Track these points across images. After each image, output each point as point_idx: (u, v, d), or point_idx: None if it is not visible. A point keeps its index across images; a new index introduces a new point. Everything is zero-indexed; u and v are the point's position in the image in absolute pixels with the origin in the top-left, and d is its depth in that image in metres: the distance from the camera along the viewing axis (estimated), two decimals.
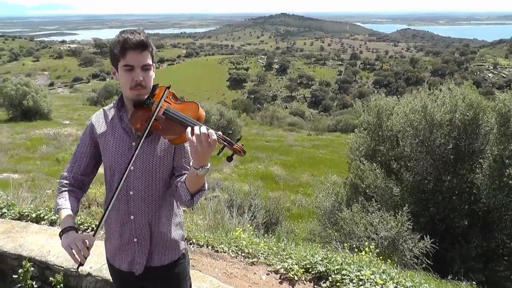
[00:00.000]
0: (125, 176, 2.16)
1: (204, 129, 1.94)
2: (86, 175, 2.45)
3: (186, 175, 2.25)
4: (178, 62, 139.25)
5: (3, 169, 13.87)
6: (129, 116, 2.34)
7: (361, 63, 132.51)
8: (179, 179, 2.31)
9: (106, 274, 3.65)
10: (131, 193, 2.33)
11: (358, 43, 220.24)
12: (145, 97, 2.27)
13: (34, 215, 5.21)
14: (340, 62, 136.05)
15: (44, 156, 16.30)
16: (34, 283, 4.04)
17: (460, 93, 7.41)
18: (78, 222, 5.12)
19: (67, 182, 2.40)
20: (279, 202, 9.86)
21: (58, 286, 3.91)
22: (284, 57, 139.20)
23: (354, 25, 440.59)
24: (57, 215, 2.44)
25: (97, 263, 3.93)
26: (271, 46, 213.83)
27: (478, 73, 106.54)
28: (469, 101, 7.09)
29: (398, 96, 9.32)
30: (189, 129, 1.98)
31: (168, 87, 2.32)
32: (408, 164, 7.60)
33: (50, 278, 3.97)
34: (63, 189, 2.37)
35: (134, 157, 2.17)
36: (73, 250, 2.07)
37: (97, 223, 2.22)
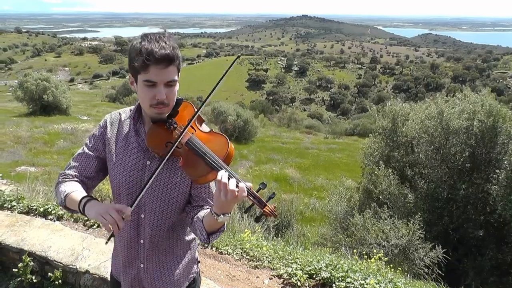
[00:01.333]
0: (138, 198, 1.90)
1: (233, 183, 1.71)
2: (90, 179, 2.17)
3: (203, 209, 2.06)
4: (198, 62, 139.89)
5: (21, 162, 14.03)
6: (146, 130, 2.08)
7: (381, 67, 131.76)
8: (196, 211, 2.08)
9: (104, 272, 3.64)
10: (142, 216, 2.11)
11: (378, 46, 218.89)
12: (167, 115, 2.01)
13: (42, 209, 5.23)
14: (360, 66, 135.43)
15: (61, 151, 16.42)
16: (33, 277, 4.05)
17: (478, 100, 7.27)
18: (85, 219, 5.12)
19: (69, 175, 2.12)
20: (291, 204, 9.79)
21: (57, 282, 3.90)
22: (303, 59, 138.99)
23: (375, 29, 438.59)
24: (63, 206, 2.02)
25: (95, 260, 3.92)
26: (291, 48, 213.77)
27: (500, 80, 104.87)
28: (488, 107, 6.94)
29: (417, 101, 9.20)
30: (218, 175, 1.74)
31: (196, 113, 2.01)
32: (423, 171, 7.47)
33: (49, 274, 3.97)
34: (66, 180, 2.11)
35: (150, 181, 1.90)
36: (107, 220, 1.76)
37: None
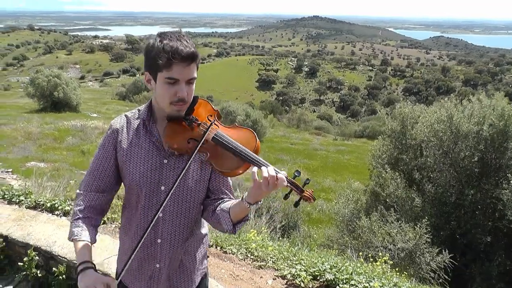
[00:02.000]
0: (166, 199, 1.92)
1: (272, 171, 1.75)
2: (104, 192, 2.13)
3: (225, 201, 2.07)
4: (209, 61, 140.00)
5: (31, 157, 14.16)
6: (159, 128, 2.08)
7: (392, 70, 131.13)
8: (216, 203, 2.09)
9: (107, 268, 3.64)
10: (160, 215, 2.06)
11: (389, 49, 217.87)
12: (185, 111, 2.01)
13: (48, 205, 5.26)
14: (371, 68, 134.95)
15: (70, 147, 16.54)
16: (38, 271, 4.07)
17: (489, 104, 7.20)
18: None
19: (84, 206, 2.09)
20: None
21: (61, 277, 3.91)
22: (314, 60, 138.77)
23: (386, 30, 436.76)
24: (71, 238, 2.03)
25: (99, 256, 3.92)
26: (302, 49, 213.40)
27: None
28: (500, 111, 6.87)
29: (427, 104, 9.14)
30: (254, 168, 1.79)
31: (217, 111, 2.06)
32: (431, 175, 7.43)
33: (54, 269, 3.98)
34: (79, 215, 2.07)
35: (179, 179, 1.92)
36: None
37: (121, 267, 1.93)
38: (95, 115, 27.78)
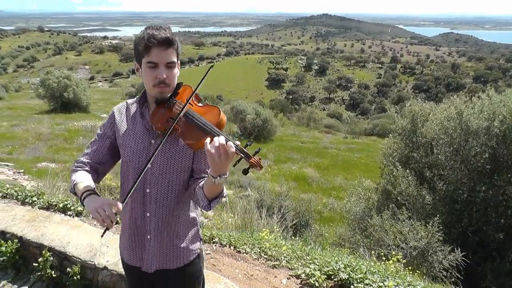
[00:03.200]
0: (143, 173, 2.11)
1: (222, 140, 1.90)
2: (101, 164, 2.41)
3: (204, 180, 2.21)
4: (218, 61, 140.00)
5: (42, 158, 14.25)
6: (150, 113, 2.31)
7: (401, 67, 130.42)
8: (198, 182, 2.27)
9: (122, 269, 3.68)
10: (147, 190, 2.31)
11: (399, 46, 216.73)
12: (168, 95, 2.24)
13: (61, 205, 5.32)
14: (380, 65, 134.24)
15: (80, 148, 16.62)
16: (53, 272, 4.13)
17: (499, 100, 7.14)
18: None
19: (81, 164, 2.36)
20: (310, 204, 9.76)
21: (75, 277, 3.96)
22: (323, 58, 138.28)
23: (396, 28, 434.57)
24: (74, 191, 2.27)
25: (114, 257, 3.97)
26: (311, 47, 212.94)
27: None
28: (511, 106, 6.81)
29: (437, 102, 9.07)
30: (207, 139, 1.95)
31: (195, 91, 2.24)
32: (442, 173, 7.38)
33: (68, 269, 4.03)
34: (77, 168, 2.34)
35: (154, 155, 2.12)
36: (101, 214, 1.97)
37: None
38: (105, 115, 27.86)
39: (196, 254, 2.52)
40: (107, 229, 2.03)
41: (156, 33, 2.11)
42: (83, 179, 2.23)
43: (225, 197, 2.17)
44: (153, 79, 2.17)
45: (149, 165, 2.18)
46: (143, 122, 2.33)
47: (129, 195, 2.11)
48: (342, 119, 64.16)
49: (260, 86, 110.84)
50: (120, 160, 2.42)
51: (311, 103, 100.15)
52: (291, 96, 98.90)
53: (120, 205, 2.02)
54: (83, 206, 2.11)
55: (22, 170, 10.10)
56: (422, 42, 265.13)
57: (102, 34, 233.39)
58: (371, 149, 24.87)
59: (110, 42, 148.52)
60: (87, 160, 2.38)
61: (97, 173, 2.41)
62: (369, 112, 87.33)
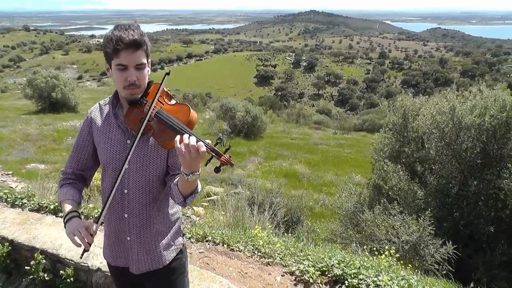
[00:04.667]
0: (121, 174, 2.15)
1: (193, 140, 1.91)
2: (85, 170, 2.45)
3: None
4: (206, 58, 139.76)
5: (31, 159, 14.12)
6: (124, 113, 2.30)
7: (390, 62, 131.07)
8: (173, 179, 2.29)
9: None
10: (125, 191, 2.31)
11: (387, 41, 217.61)
12: (139, 96, 2.22)
13: (52, 207, 5.28)
14: (369, 61, 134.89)
15: (70, 148, 16.28)
16: (45, 275, 4.09)
17: (491, 95, 7.18)
18: (80, 211, 5.16)
19: (68, 176, 2.42)
20: (301, 200, 9.77)
21: (68, 280, 3.92)
22: (312, 55, 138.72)
23: (384, 23, 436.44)
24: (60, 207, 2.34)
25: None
26: (300, 44, 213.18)
27: (511, 75, 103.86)
28: (502, 102, 6.85)
29: (426, 96, 9.10)
30: (177, 137, 1.96)
31: (159, 87, 2.23)
32: (433, 167, 7.41)
33: (61, 272, 3.99)
34: (64, 182, 2.40)
35: (129, 156, 2.14)
36: (76, 237, 2.06)
37: (98, 213, 2.27)
38: None
39: (179, 250, 2.53)
40: (85, 250, 2.11)
41: (124, 35, 2.07)
42: (67, 196, 2.30)
43: (199, 192, 2.19)
44: (123, 81, 2.17)
45: (126, 166, 2.19)
46: (117, 123, 2.33)
47: (109, 199, 2.15)
48: (332, 115, 64.35)
49: (249, 83, 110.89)
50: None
51: (300, 100, 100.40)
52: (280, 93, 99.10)
53: (94, 227, 2.10)
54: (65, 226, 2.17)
55: (10, 172, 9.99)
56: (410, 37, 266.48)
57: (89, 33, 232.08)
58: (361, 144, 24.94)
59: (97, 41, 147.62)
60: (71, 170, 2.42)
61: (84, 179, 2.48)
62: (358, 108, 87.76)
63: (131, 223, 2.35)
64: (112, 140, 2.30)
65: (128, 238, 2.37)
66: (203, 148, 1.90)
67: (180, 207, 2.58)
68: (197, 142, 1.91)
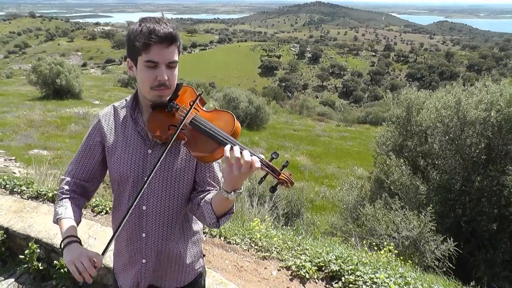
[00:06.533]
0: (143, 189, 1.81)
1: (247, 154, 1.61)
2: (89, 181, 2.11)
3: (210, 193, 1.97)
4: (211, 48, 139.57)
5: (34, 145, 14.09)
6: (145, 118, 2.01)
7: (395, 55, 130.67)
8: (202, 196, 2.00)
9: (109, 262, 3.58)
10: (144, 208, 2.02)
11: (392, 34, 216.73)
12: (167, 98, 1.94)
13: (50, 195, 5.24)
14: (374, 53, 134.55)
15: (73, 135, 16.46)
16: (40, 264, 4.03)
17: (498, 90, 7.06)
18: (93, 205, 5.11)
19: (68, 188, 2.07)
20: (302, 193, 9.70)
21: (62, 270, 3.87)
22: (317, 46, 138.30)
23: (390, 16, 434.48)
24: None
25: (101, 250, 3.88)
26: (304, 35, 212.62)
27: None
28: (508, 97, 6.73)
29: (431, 90, 9.00)
30: (227, 147, 1.65)
31: (200, 94, 1.97)
32: (436, 162, 7.33)
33: (55, 261, 3.94)
34: (63, 196, 2.06)
35: (155, 168, 1.82)
36: (78, 268, 1.75)
37: (110, 236, 1.85)
38: (97, 102, 27.65)
39: (199, 273, 2.28)
40: (85, 283, 1.81)
41: (158, 28, 1.78)
42: (66, 214, 1.97)
43: (233, 213, 1.91)
44: (152, 81, 1.86)
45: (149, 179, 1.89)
46: (137, 129, 2.02)
47: (125, 218, 1.82)
48: (335, 107, 64.16)
49: (253, 74, 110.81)
50: (109, 174, 2.12)
51: (304, 91, 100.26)
52: (284, 84, 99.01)
53: (100, 260, 1.81)
54: (62, 252, 1.87)
55: (13, 157, 9.97)
56: (416, 30, 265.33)
57: (94, 20, 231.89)
58: (363, 137, 24.88)
59: (102, 29, 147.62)
60: (74, 180, 2.08)
61: (86, 192, 2.14)
62: (362, 100, 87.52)
63: (149, 243, 2.07)
64: (130, 149, 2.00)
65: (144, 261, 2.10)
66: (258, 164, 1.63)
67: (201, 226, 2.29)
68: (251, 156, 1.63)
